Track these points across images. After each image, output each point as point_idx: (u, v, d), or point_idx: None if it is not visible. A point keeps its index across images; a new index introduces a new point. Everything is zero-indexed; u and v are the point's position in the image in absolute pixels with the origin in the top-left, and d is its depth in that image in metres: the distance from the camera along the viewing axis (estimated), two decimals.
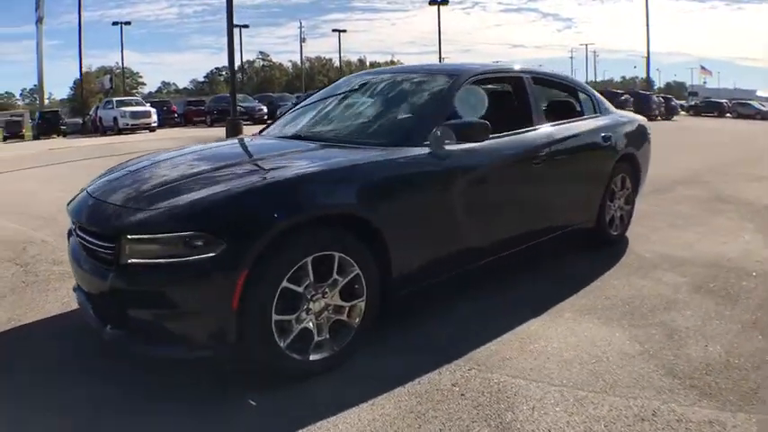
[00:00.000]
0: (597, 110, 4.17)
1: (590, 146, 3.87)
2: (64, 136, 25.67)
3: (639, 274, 3.63)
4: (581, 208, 3.88)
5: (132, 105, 25.17)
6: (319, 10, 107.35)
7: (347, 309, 2.47)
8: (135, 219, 2.26)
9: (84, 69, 57.94)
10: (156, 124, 24.16)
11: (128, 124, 23.42)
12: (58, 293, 3.42)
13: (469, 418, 2.07)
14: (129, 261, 2.19)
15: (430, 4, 39.81)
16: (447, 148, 2.84)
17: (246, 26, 54.05)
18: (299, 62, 68.19)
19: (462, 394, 2.23)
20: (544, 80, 3.90)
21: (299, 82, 61.16)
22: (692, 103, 45.28)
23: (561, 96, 4.18)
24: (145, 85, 73.82)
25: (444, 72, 3.33)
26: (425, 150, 2.77)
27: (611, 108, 4.40)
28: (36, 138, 26.11)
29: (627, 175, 4.27)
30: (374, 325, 2.59)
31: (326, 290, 2.39)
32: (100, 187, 2.69)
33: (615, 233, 4.26)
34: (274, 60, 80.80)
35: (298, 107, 3.94)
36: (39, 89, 18.26)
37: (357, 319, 2.50)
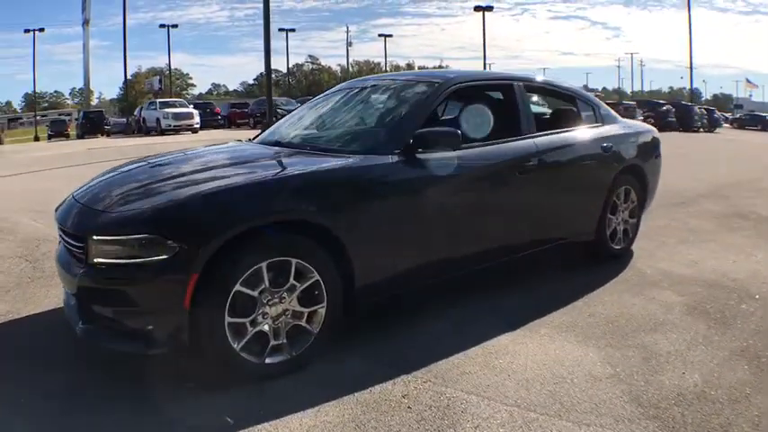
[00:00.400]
0: (599, 119, 3.98)
1: (586, 156, 3.70)
2: (107, 136, 26.59)
3: (634, 291, 3.43)
4: (576, 220, 3.71)
5: (175, 107, 25.50)
6: (369, 14, 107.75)
7: (306, 314, 2.44)
8: (100, 221, 2.32)
9: (134, 70, 60.28)
10: (198, 126, 24.44)
11: (170, 125, 23.70)
12: (58, 289, 3.49)
13: (408, 431, 2.00)
14: (95, 260, 2.24)
15: (475, 9, 39.44)
16: (421, 156, 2.77)
17: (293, 30, 54.72)
18: (346, 65, 69.17)
19: (409, 407, 2.15)
20: (539, 88, 3.76)
21: None
22: (737, 115, 43.24)
23: (559, 105, 4.01)
24: (195, 86, 76.02)
25: (427, 80, 3.24)
26: (394, 159, 2.70)
27: (617, 117, 4.20)
28: (80, 137, 27.17)
29: (632, 188, 4.05)
30: (341, 332, 2.55)
31: (284, 295, 2.37)
32: (82, 191, 2.76)
33: (618, 247, 4.06)
34: (323, 64, 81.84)
35: (293, 113, 3.94)
36: (85, 89, 18.98)
37: (317, 326, 2.46)
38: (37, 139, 31.76)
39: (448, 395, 2.24)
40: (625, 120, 4.38)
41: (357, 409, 2.14)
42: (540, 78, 3.89)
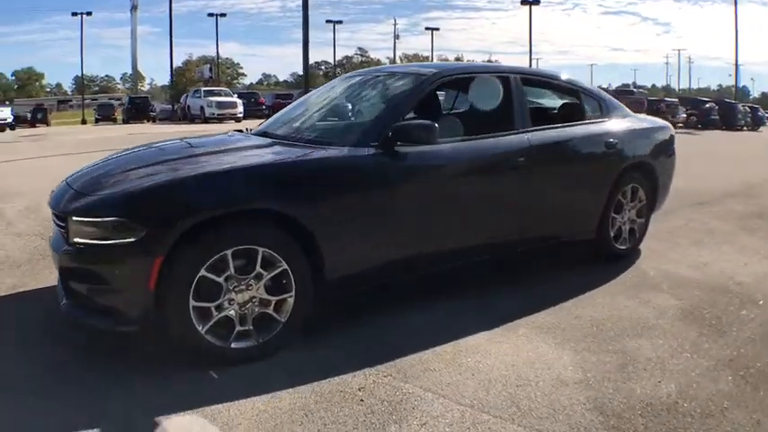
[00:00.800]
0: (605, 114, 3.77)
1: (586, 152, 3.53)
2: (153, 122, 27.27)
3: (630, 293, 3.26)
4: (574, 218, 3.55)
5: (219, 96, 25.71)
6: (420, 8, 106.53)
7: (274, 303, 2.43)
8: (79, 204, 2.38)
9: (185, 58, 61.58)
10: (241, 115, 24.57)
11: (214, 114, 23.88)
12: None
13: (353, 423, 1.96)
14: (74, 240, 2.30)
15: (522, 3, 38.41)
16: (402, 150, 2.70)
17: (340, 22, 54.49)
18: (397, 59, 68.95)
19: (362, 400, 2.12)
20: (538, 81, 3.59)
21: None
22: None
23: (560, 99, 3.83)
24: (245, 76, 76.88)
25: (414, 72, 3.15)
26: (370, 152, 2.64)
27: (627, 112, 3.97)
28: (125, 122, 28.00)
29: (640, 186, 3.84)
30: (317, 321, 2.55)
31: (251, 282, 2.37)
32: (75, 175, 2.83)
33: (623, 248, 3.86)
34: (372, 56, 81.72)
35: (291, 104, 3.92)
36: (132, 74, 19.46)
37: (285, 314, 2.45)
38: (84, 122, 32.80)
39: (404, 391, 2.19)
40: (637, 115, 4.14)
41: (311, 398, 2.13)
42: (539, 71, 3.72)
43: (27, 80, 71.40)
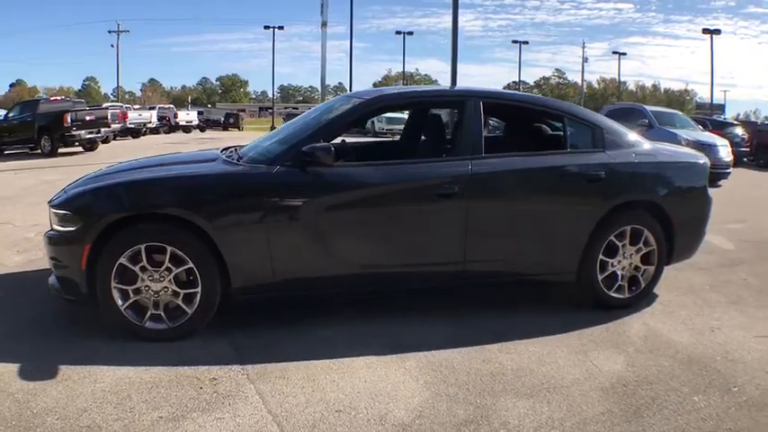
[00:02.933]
0: (599, 143, 3.17)
1: (554, 184, 3.05)
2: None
3: (580, 348, 2.75)
4: (538, 257, 3.10)
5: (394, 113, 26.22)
6: (620, 32, 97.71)
7: (182, 294, 2.71)
8: (56, 198, 2.94)
9: (384, 73, 65.16)
10: None
11: (383, 129, 24.19)
12: None
13: (175, 399, 2.12)
14: (52, 227, 2.87)
15: (703, 32, 32.85)
16: (315, 170, 2.74)
17: (526, 42, 51.92)
18: (593, 82, 65.23)
19: (201, 387, 2.28)
20: (507, 106, 3.17)
21: (592, 102, 57.69)
22: None
23: (536, 126, 3.33)
24: None
25: (357, 96, 3.10)
26: (277, 170, 2.73)
27: (635, 143, 3.28)
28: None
29: (645, 229, 3.17)
30: (234, 317, 2.77)
31: (163, 274, 2.68)
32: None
33: (619, 296, 3.23)
34: (570, 79, 77.75)
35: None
36: (321, 87, 21.34)
37: (193, 307, 2.71)
38: (273, 128, 36.86)
39: (244, 389, 2.29)
40: (657, 146, 3.39)
41: (167, 375, 2.37)
42: (511, 95, 3.30)
43: (231, 86, 79.38)
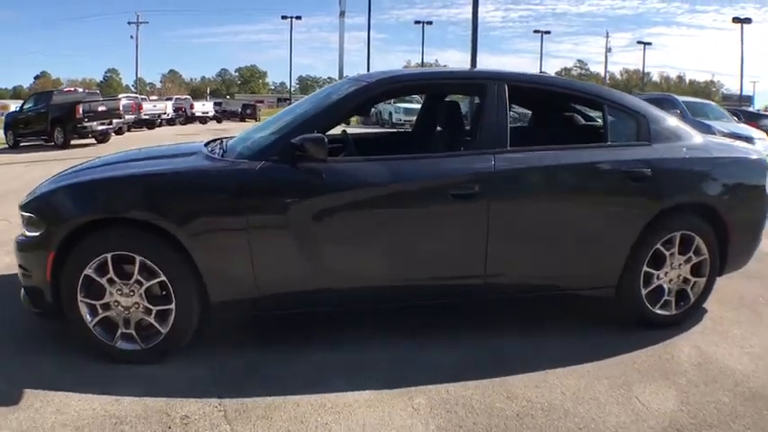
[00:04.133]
0: (645, 136, 2.67)
1: (591, 183, 2.57)
2: (347, 124, 27.16)
3: (622, 380, 2.28)
4: (573, 267, 2.62)
5: (411, 102, 23.60)
6: (644, 22, 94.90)
7: (155, 312, 2.32)
8: (25, 198, 2.55)
9: (403, 64, 64.44)
10: None
11: (400, 120, 22.89)
12: None
13: None
14: (23, 230, 2.49)
15: (733, 21, 31.52)
16: (308, 165, 2.29)
17: (548, 32, 50.29)
18: (616, 73, 63.44)
19: (170, 427, 1.88)
20: (536, 90, 2.67)
21: None
22: None
23: (568, 115, 2.83)
24: None
25: (364, 78, 2.63)
26: (261, 165, 2.29)
27: (686, 135, 2.77)
28: None
29: (696, 235, 2.67)
30: (214, 340, 2.39)
31: (133, 288, 2.29)
32: None
33: (665, 313, 2.74)
34: (592, 70, 75.52)
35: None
36: (339, 77, 20.46)
37: (167, 326, 2.32)
38: None
39: (220, 428, 1.89)
40: (709, 138, 2.88)
41: (135, 409, 2.00)
42: (543, 78, 2.82)
43: (250, 77, 78.55)
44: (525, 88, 2.69)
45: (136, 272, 2.27)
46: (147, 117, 20.46)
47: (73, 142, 12.90)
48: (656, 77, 68.46)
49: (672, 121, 2.81)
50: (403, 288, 2.47)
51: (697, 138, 2.81)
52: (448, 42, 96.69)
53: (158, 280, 2.27)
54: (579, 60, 77.13)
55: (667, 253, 2.68)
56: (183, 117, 25.55)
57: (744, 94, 33.28)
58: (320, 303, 2.44)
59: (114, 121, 13.59)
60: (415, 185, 2.39)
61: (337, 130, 3.07)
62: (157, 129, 20.98)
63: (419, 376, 2.26)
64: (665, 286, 2.73)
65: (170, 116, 23.70)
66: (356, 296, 2.45)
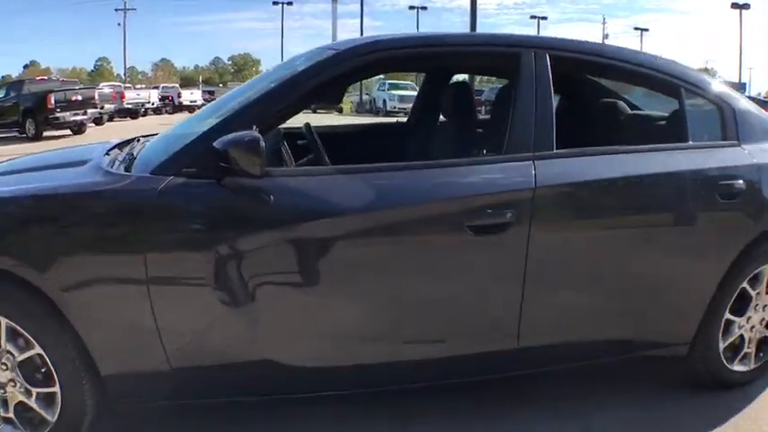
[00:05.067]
0: (731, 133, 1.93)
1: (670, 202, 1.83)
2: (339, 112, 26.13)
3: None
4: (638, 324, 1.88)
5: (405, 90, 23.52)
6: (637, 9, 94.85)
7: (36, 394, 1.59)
8: None
9: None
10: None
11: (395, 107, 21.99)
12: None
13: None
14: None
15: (732, 7, 30.79)
16: (241, 182, 1.50)
17: (545, 18, 49.01)
18: None
19: None
20: (589, 63, 1.88)
21: None
22: None
23: (609, 101, 2.09)
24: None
25: (333, 47, 1.85)
26: (170, 183, 1.52)
27: None
28: (314, 111, 28.33)
29: None
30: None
31: (5, 360, 1.56)
32: None
33: (742, 369, 2.04)
34: None
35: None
36: None
37: (54, 413, 1.59)
38: None
39: None
40: None
41: None
42: (602, 48, 2.01)
43: (243, 65, 75.56)
44: (575, 60, 1.87)
45: (2, 339, 1.53)
46: (129, 106, 19.48)
47: (46, 134, 12.02)
48: None
49: (761, 112, 2.07)
50: (388, 366, 1.67)
51: None
52: (443, 29, 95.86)
53: (33, 353, 1.54)
54: None
55: (753, 293, 1.98)
56: (171, 106, 24.50)
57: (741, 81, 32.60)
58: (262, 387, 1.67)
59: (89, 111, 12.66)
60: (408, 212, 1.59)
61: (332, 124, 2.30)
62: (142, 118, 19.94)
63: None
64: (746, 335, 2.03)
65: (155, 105, 22.66)
66: (314, 378, 1.66)
